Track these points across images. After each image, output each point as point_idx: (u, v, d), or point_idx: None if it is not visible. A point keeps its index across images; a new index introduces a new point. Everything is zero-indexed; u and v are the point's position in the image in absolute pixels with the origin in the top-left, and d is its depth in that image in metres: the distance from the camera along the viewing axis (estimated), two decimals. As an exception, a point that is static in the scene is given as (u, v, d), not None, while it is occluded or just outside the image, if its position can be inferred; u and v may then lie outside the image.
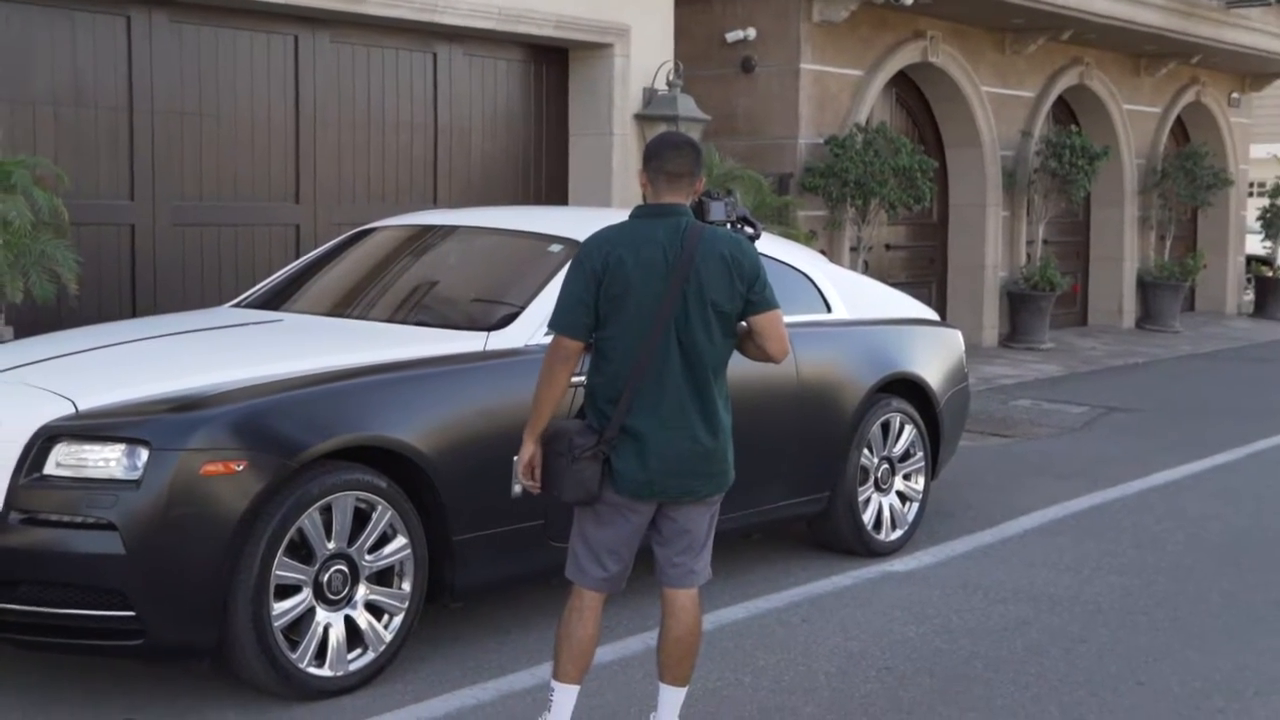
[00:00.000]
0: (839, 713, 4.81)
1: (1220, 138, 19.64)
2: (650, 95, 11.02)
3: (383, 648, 4.92)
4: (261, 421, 4.68)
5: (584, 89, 11.06)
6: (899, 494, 6.94)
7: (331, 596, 4.80)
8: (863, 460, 6.68)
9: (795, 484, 6.43)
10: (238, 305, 6.52)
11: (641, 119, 10.92)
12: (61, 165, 7.63)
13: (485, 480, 5.14)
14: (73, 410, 4.64)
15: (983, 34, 15.10)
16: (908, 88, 14.94)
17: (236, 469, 4.53)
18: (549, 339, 4.16)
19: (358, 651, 4.87)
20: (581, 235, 4.21)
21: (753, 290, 4.10)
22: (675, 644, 4.24)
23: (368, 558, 4.89)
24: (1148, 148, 18.21)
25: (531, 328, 5.46)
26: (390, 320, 5.92)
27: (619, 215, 4.31)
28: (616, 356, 4.05)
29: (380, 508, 4.87)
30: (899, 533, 6.90)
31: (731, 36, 12.99)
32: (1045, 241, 16.27)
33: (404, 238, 6.71)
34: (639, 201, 4.28)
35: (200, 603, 4.51)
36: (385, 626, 4.94)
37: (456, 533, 5.09)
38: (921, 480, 7.05)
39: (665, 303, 4.01)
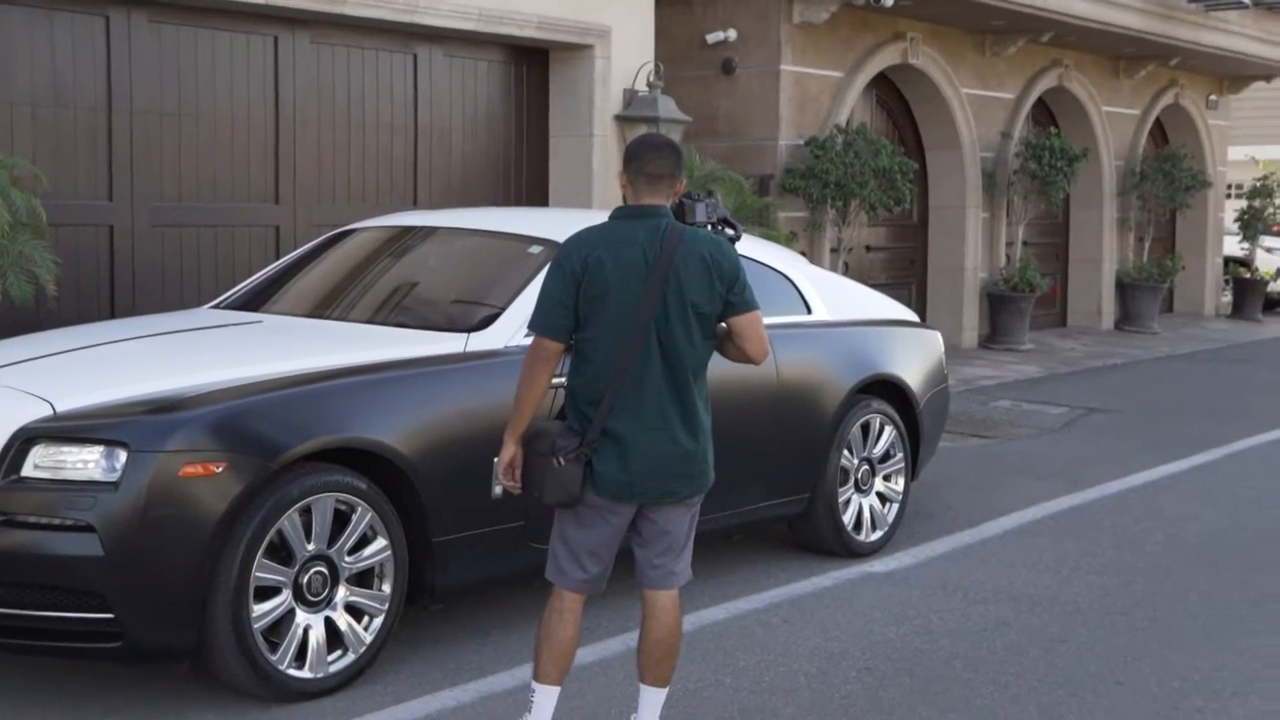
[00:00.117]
0: (819, 713, 4.82)
1: (1198, 140, 19.72)
2: (631, 96, 11.02)
3: (363, 649, 4.91)
4: (241, 423, 4.67)
5: (564, 90, 11.05)
6: (879, 495, 6.96)
7: (311, 598, 4.79)
8: (843, 461, 6.69)
9: (775, 485, 6.44)
10: (217, 306, 6.51)
11: (622, 120, 10.93)
12: (40, 166, 7.59)
13: (466, 482, 5.14)
14: (51, 412, 4.62)
15: (963, 36, 15.14)
16: (888, 89, 14.97)
17: (216, 470, 4.52)
18: (529, 340, 4.16)
19: (338, 653, 4.86)
20: (562, 237, 4.22)
21: (732, 291, 4.10)
22: (655, 645, 4.24)
23: (348, 559, 4.88)
24: (1127, 150, 18.28)
25: (512, 329, 5.46)
26: (370, 321, 5.91)
27: (600, 217, 4.32)
28: (597, 358, 4.05)
29: (360, 509, 4.87)
30: (879, 534, 6.91)
31: (712, 38, 13.00)
32: (1025, 243, 16.33)
33: (384, 239, 6.70)
34: (620, 203, 4.28)
35: (179, 605, 4.50)
36: (365, 628, 4.93)
37: (437, 534, 5.09)
38: (901, 481, 7.06)
39: (645, 304, 4.01)
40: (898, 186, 12.88)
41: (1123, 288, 18.11)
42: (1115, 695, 5.04)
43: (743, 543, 6.91)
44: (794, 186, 12.73)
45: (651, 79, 10.96)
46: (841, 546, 6.72)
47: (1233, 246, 20.82)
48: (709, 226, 4.26)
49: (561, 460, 4.02)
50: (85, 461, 4.47)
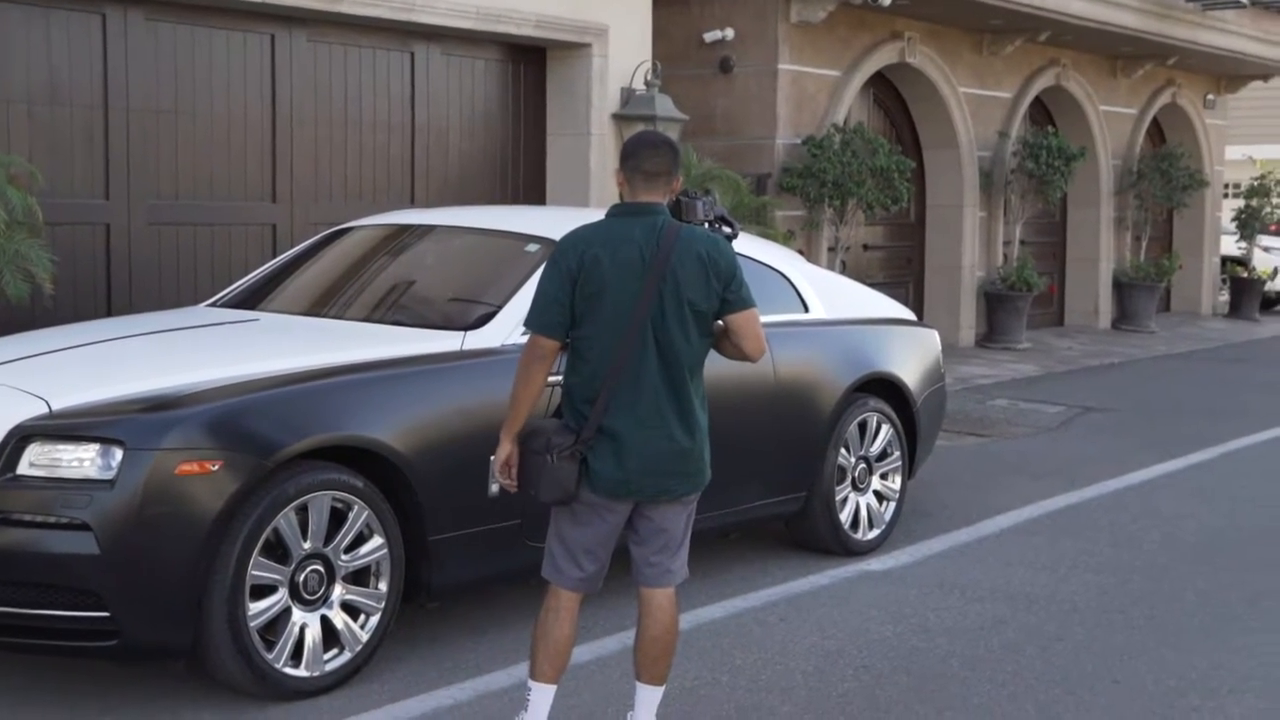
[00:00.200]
0: (816, 712, 4.81)
1: (1196, 139, 19.73)
2: (628, 95, 11.02)
3: (359, 648, 4.91)
4: (237, 421, 4.66)
5: (562, 89, 11.04)
6: (876, 493, 6.95)
7: (308, 596, 4.78)
8: (840, 460, 6.69)
9: (772, 483, 6.44)
10: (214, 305, 6.50)
11: (619, 119, 10.92)
12: (36, 164, 7.58)
13: (462, 480, 5.13)
14: (46, 410, 4.61)
15: (960, 35, 15.14)
16: (885, 88, 14.96)
17: (212, 469, 4.51)
18: (526, 338, 4.15)
19: (334, 652, 4.86)
20: (559, 235, 4.20)
21: (729, 289, 4.10)
22: (652, 643, 4.23)
23: (344, 557, 4.87)
24: (1124, 149, 18.28)
25: (508, 327, 5.46)
26: (367, 320, 5.90)
27: (597, 215, 4.31)
28: (593, 356, 4.05)
29: (356, 507, 4.86)
30: (876, 532, 6.91)
31: (710, 37, 12.99)
32: (1022, 242, 16.32)
33: (381, 237, 6.69)
34: (617, 201, 4.27)
35: (175, 603, 4.49)
36: (362, 627, 4.93)
37: (433, 532, 5.08)
38: (898, 480, 7.06)
39: (642, 302, 4.00)
40: (895, 185, 12.88)
41: (1120, 287, 18.12)
42: (1112, 693, 5.04)
43: (740, 541, 6.90)
44: (791, 185, 12.73)
45: (649, 78, 10.95)
46: (838, 545, 6.72)
47: (1230, 246, 20.83)
48: (706, 224, 4.26)
49: (557, 458, 4.01)
50: (81, 460, 4.47)
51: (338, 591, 4.87)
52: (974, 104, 15.40)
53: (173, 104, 8.87)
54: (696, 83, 12.95)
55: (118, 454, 4.44)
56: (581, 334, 4.06)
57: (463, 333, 5.49)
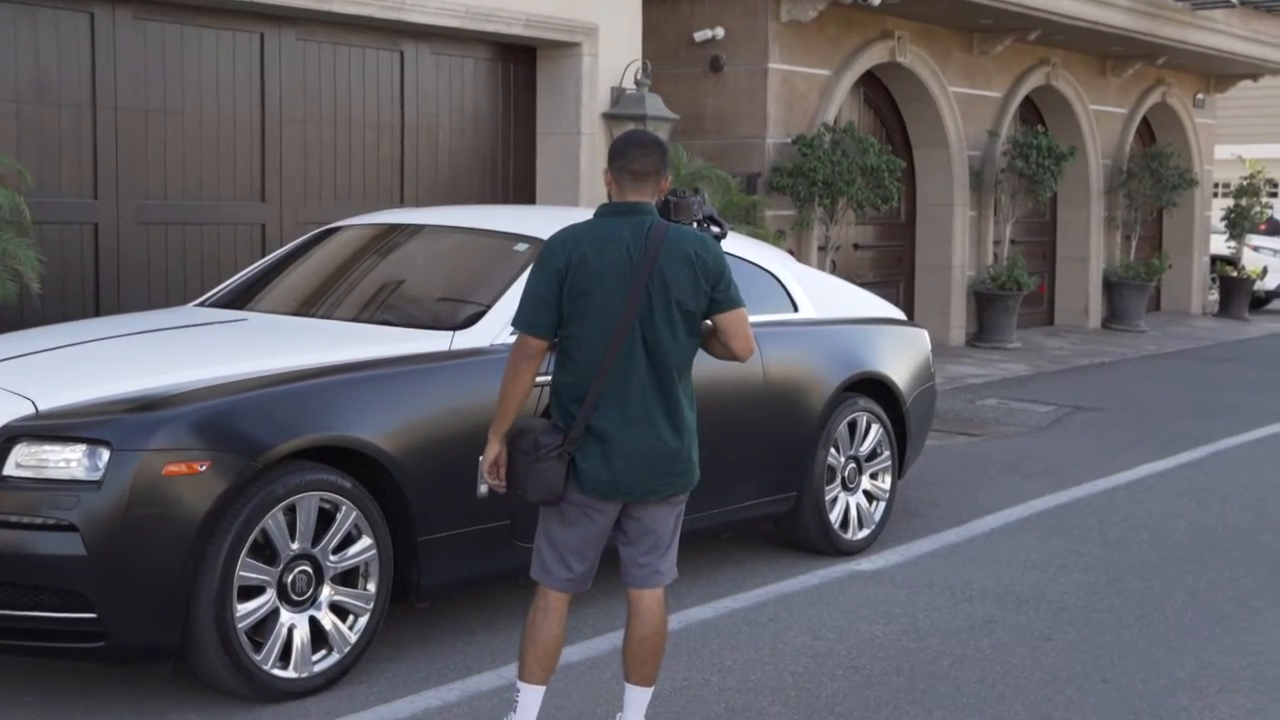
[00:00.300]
0: (806, 712, 4.81)
1: (1185, 138, 19.76)
2: (618, 94, 11.01)
3: (348, 649, 4.89)
4: (225, 421, 4.64)
5: (552, 88, 11.03)
6: (866, 493, 6.95)
7: (296, 597, 4.77)
8: (830, 459, 6.69)
9: (762, 483, 6.43)
10: (202, 304, 6.48)
11: (609, 118, 10.91)
12: (24, 163, 7.55)
13: (451, 480, 5.12)
14: (33, 410, 4.60)
15: (950, 34, 15.14)
16: (875, 88, 14.97)
17: (199, 469, 4.50)
18: (514, 338, 4.14)
19: (322, 653, 4.84)
20: (547, 234, 4.19)
21: (717, 289, 4.09)
22: (641, 644, 4.23)
23: (332, 558, 4.86)
24: (1114, 148, 18.31)
25: (497, 327, 5.45)
26: (355, 319, 5.89)
27: (586, 214, 4.30)
28: (581, 355, 4.04)
29: (345, 508, 4.84)
30: (866, 532, 6.90)
31: (700, 36, 12.99)
32: (1012, 241, 16.33)
33: (370, 236, 6.68)
34: (606, 200, 4.26)
35: (163, 604, 4.48)
36: (350, 627, 4.91)
37: (422, 533, 5.07)
38: (888, 479, 7.06)
39: (630, 301, 3.99)
40: (885, 185, 12.88)
41: (1110, 286, 18.14)
42: (1102, 693, 5.04)
43: (729, 541, 6.89)
44: (781, 185, 12.72)
45: (639, 77, 10.94)
46: (828, 545, 6.71)
47: (1219, 245, 20.86)
48: (694, 224, 4.26)
49: (545, 458, 4.00)
50: (68, 460, 4.45)
51: (326, 592, 4.85)
52: (964, 103, 15.41)
53: (161, 103, 8.85)
54: (686, 82, 12.95)
55: (104, 455, 4.42)
56: (569, 333, 4.05)
57: (451, 332, 5.48)
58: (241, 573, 4.59)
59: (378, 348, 5.34)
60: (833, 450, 6.70)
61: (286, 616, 4.74)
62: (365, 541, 4.91)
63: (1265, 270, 21.38)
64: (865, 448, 6.91)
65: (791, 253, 9.06)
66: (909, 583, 6.34)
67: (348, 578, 4.92)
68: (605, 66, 10.94)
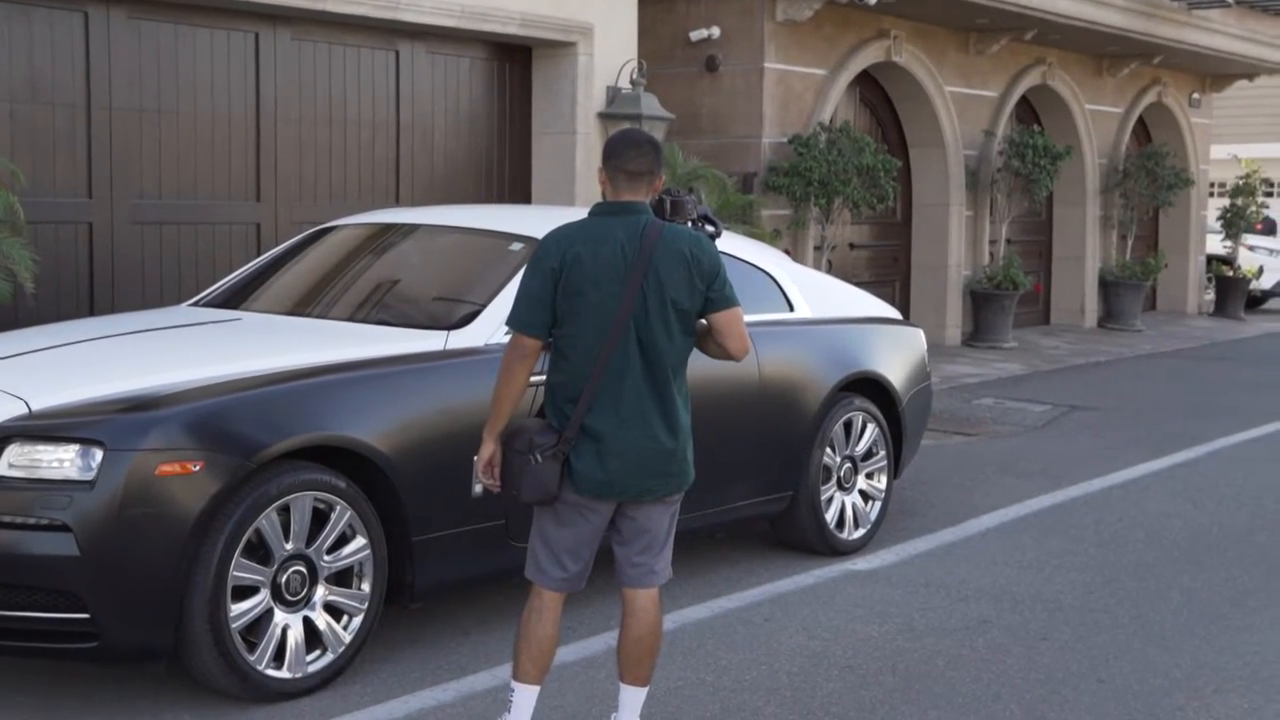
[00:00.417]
0: (801, 712, 4.80)
1: (1181, 138, 19.77)
2: (614, 94, 11.00)
3: (342, 649, 4.88)
4: (219, 421, 4.63)
5: (547, 87, 11.03)
6: (861, 493, 6.94)
7: (290, 598, 4.76)
8: (825, 459, 6.68)
9: (758, 483, 6.43)
10: (196, 304, 6.47)
11: (605, 117, 10.90)
12: (18, 163, 7.55)
13: (445, 480, 5.11)
14: (26, 410, 4.58)
15: (946, 34, 15.14)
16: (871, 87, 14.96)
17: (193, 469, 4.49)
18: (509, 337, 4.13)
19: (316, 653, 4.83)
20: (542, 234, 4.19)
21: (712, 288, 4.09)
22: (636, 644, 4.22)
23: (326, 558, 4.85)
24: (1110, 147, 18.31)
25: (492, 326, 5.44)
26: (350, 319, 5.88)
27: (582, 214, 4.29)
28: (575, 355, 4.03)
29: (339, 508, 4.84)
30: (861, 531, 6.90)
31: (695, 35, 12.98)
32: (1008, 241, 16.34)
33: (365, 236, 6.67)
34: (600, 199, 4.26)
35: (156, 605, 4.47)
36: (344, 627, 4.90)
37: (416, 533, 5.06)
38: (884, 479, 7.05)
39: (624, 301, 3.99)
40: (881, 184, 12.88)
41: (1106, 286, 18.14)
42: (1097, 693, 5.03)
43: (724, 541, 6.89)
44: (777, 184, 12.72)
45: (635, 76, 10.94)
46: (824, 544, 6.70)
47: (1215, 245, 20.87)
48: (689, 223, 4.25)
49: (539, 458, 4.00)
50: (61, 460, 4.44)
51: (320, 592, 4.84)
52: (960, 103, 15.40)
53: (156, 102, 8.83)
54: (682, 81, 12.94)
55: (98, 454, 4.41)
56: (564, 333, 4.04)
57: (446, 332, 5.48)
58: (235, 573, 4.58)
59: (372, 347, 5.33)
60: (828, 450, 6.69)
61: (280, 617, 4.73)
62: (359, 541, 4.90)
63: (1261, 270, 21.39)
64: (861, 447, 6.91)
65: (787, 252, 9.05)
66: (904, 582, 6.34)
67: (342, 578, 4.91)
68: (601, 66, 10.93)
